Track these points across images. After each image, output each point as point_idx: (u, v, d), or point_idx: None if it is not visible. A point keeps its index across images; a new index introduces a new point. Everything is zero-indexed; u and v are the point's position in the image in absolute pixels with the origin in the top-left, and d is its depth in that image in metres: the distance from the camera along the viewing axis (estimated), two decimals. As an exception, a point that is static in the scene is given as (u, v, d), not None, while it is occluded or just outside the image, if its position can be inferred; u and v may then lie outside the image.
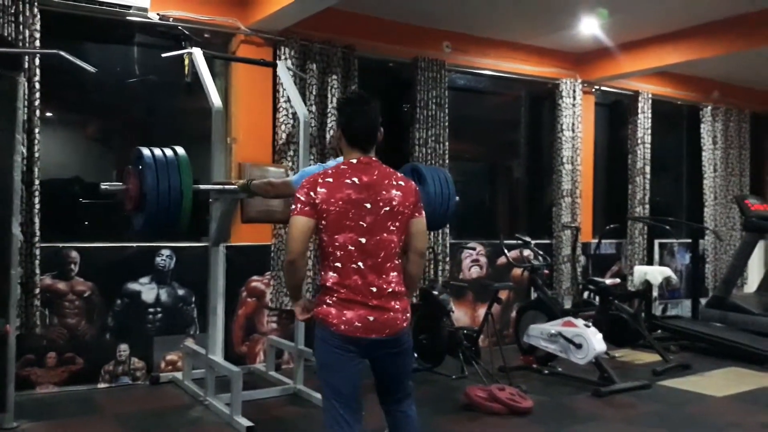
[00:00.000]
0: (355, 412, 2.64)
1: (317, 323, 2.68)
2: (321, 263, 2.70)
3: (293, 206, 2.63)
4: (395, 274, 2.67)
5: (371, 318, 2.59)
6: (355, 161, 2.68)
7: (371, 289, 2.60)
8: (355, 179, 2.63)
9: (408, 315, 2.71)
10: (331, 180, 2.61)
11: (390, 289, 2.64)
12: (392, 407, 2.81)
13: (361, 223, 2.60)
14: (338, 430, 2.60)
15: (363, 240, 2.60)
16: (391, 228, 2.65)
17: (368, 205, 2.62)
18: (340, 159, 3.54)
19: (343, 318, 2.57)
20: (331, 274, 2.62)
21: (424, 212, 2.80)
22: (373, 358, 2.69)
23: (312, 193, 2.59)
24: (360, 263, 2.60)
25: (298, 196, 2.62)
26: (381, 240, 2.63)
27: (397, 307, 2.65)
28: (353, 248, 2.60)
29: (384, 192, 2.65)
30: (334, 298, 2.61)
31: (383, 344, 2.64)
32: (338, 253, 2.60)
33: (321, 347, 2.66)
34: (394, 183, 2.69)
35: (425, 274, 6.35)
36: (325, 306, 2.63)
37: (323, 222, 2.60)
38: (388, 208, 2.64)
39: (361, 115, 2.70)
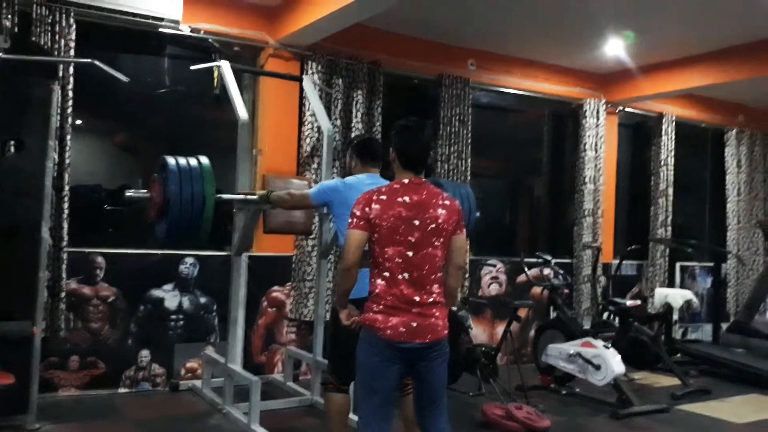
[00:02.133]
0: (388, 410, 2.88)
1: (363, 328, 2.88)
2: (371, 272, 2.90)
3: (350, 220, 2.86)
4: (437, 285, 2.88)
5: (414, 324, 2.78)
6: (407, 181, 2.91)
7: (415, 298, 2.81)
8: (407, 198, 2.85)
9: (447, 325, 2.90)
10: (384, 197, 2.84)
11: (431, 299, 2.84)
12: (428, 420, 2.94)
13: (409, 238, 2.82)
14: (371, 423, 2.83)
15: (410, 253, 2.82)
16: (436, 243, 2.86)
17: (416, 222, 2.83)
18: (359, 176, 3.66)
19: (389, 323, 2.78)
20: (379, 282, 2.84)
21: (465, 230, 3.01)
22: (414, 365, 2.85)
23: (367, 209, 2.82)
24: (406, 274, 2.81)
25: (354, 211, 2.85)
26: (426, 254, 2.84)
27: (437, 314, 2.85)
28: (401, 260, 2.81)
29: (431, 210, 2.86)
30: (381, 306, 2.82)
31: (425, 350, 2.82)
32: (387, 264, 2.82)
33: (365, 350, 2.86)
34: (440, 202, 2.90)
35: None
36: (372, 313, 2.84)
37: (375, 235, 2.83)
38: (434, 226, 2.85)
39: (416, 140, 2.95)
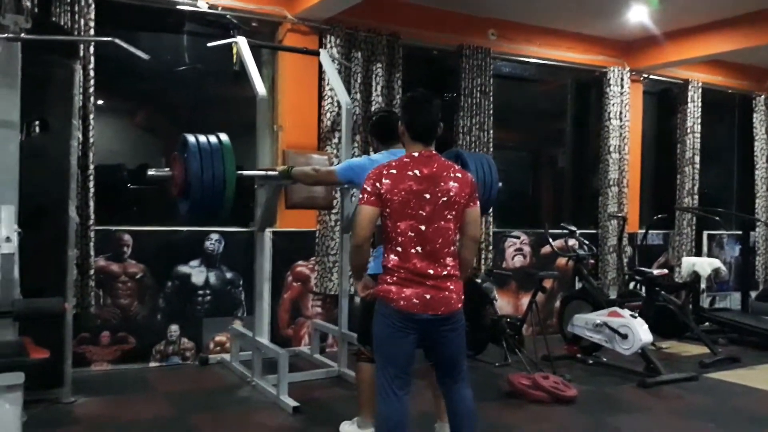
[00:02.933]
0: (404, 380, 2.88)
1: (378, 300, 2.90)
2: (384, 246, 2.92)
3: (361, 196, 2.86)
4: (451, 258, 2.88)
5: (428, 296, 2.79)
6: (416, 155, 2.89)
7: (429, 271, 2.81)
8: (417, 171, 2.83)
9: (462, 297, 2.91)
10: (395, 171, 2.83)
11: (445, 272, 2.84)
12: (450, 389, 3.00)
13: (420, 212, 2.81)
14: (389, 392, 2.85)
15: (422, 227, 2.81)
16: (448, 216, 2.86)
17: (428, 196, 2.82)
18: (385, 153, 3.63)
19: (403, 295, 2.79)
20: (392, 256, 2.85)
21: (478, 202, 3.01)
22: (429, 336, 2.87)
23: (378, 184, 2.81)
24: (419, 248, 2.81)
25: (365, 186, 2.85)
26: (439, 227, 2.83)
27: (452, 287, 2.86)
28: (413, 234, 2.81)
29: (442, 183, 2.85)
30: (394, 278, 2.83)
31: (439, 322, 2.83)
32: (400, 239, 2.82)
33: (380, 322, 2.88)
34: (452, 175, 2.89)
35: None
36: (386, 285, 2.85)
37: (387, 210, 2.82)
38: (445, 199, 2.84)
39: (424, 112, 2.93)
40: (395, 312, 2.80)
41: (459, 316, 2.91)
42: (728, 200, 9.25)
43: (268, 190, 4.66)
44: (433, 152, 2.94)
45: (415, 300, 2.78)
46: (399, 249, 2.82)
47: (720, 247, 8.65)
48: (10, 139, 3.58)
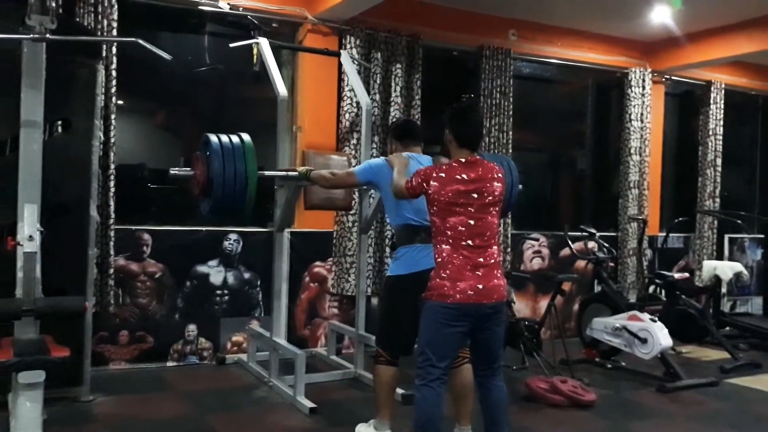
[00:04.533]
0: (445, 381, 3.11)
1: (429, 295, 3.07)
2: (434, 240, 3.14)
3: (410, 180, 3.18)
4: (496, 248, 3.15)
5: (480, 286, 3.02)
6: (463, 160, 3.14)
7: (479, 260, 3.04)
8: (464, 176, 3.09)
9: (506, 289, 3.16)
10: (443, 175, 3.09)
11: (492, 260, 3.09)
12: (486, 380, 3.19)
13: (470, 208, 3.07)
14: (427, 375, 3.05)
15: (472, 222, 3.06)
16: (493, 212, 3.14)
17: (475, 195, 3.08)
18: (402, 154, 3.67)
19: (458, 288, 2.99)
20: (445, 247, 3.07)
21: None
22: (479, 326, 3.07)
23: (425, 185, 3.10)
24: (469, 241, 3.05)
25: (413, 178, 3.16)
26: (486, 222, 3.10)
27: (499, 275, 3.11)
28: (463, 228, 3.06)
29: (488, 184, 3.12)
30: (447, 271, 3.03)
31: (490, 311, 3.05)
32: (449, 233, 3.06)
33: (432, 316, 3.05)
34: (495, 176, 3.16)
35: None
36: (439, 279, 3.05)
37: (434, 208, 3.10)
38: (490, 198, 3.12)
39: (470, 121, 3.18)
40: (452, 308, 2.99)
41: (504, 307, 3.16)
42: (750, 203, 9.12)
43: (287, 191, 4.67)
44: (477, 157, 3.17)
45: (470, 291, 2.99)
46: (450, 241, 3.05)
47: (741, 250, 8.54)
48: (34, 138, 3.61)
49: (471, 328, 3.06)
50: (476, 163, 3.14)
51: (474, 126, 3.19)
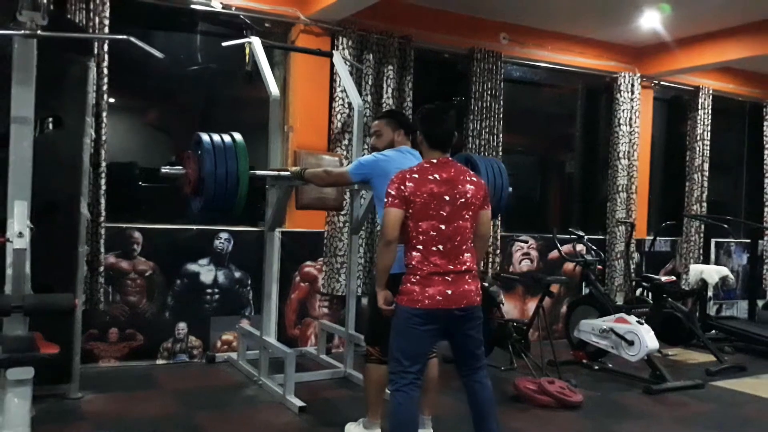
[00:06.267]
0: (420, 381, 3.11)
1: (400, 299, 3.07)
2: (405, 246, 3.11)
3: (386, 199, 3.07)
4: (469, 255, 3.11)
5: (449, 291, 3.01)
6: (435, 161, 3.14)
7: (449, 267, 3.03)
8: (437, 176, 3.08)
9: (480, 293, 3.14)
10: (417, 176, 3.07)
11: (464, 267, 3.07)
12: (469, 378, 3.21)
13: (441, 212, 3.04)
14: (405, 389, 3.05)
15: (443, 227, 3.04)
16: (466, 216, 3.10)
17: (447, 198, 3.06)
18: (395, 150, 3.73)
19: (426, 294, 3.00)
20: (414, 254, 3.05)
21: (490, 205, 3.27)
22: (450, 330, 3.10)
23: (402, 187, 3.04)
24: (440, 246, 3.03)
25: (389, 190, 3.06)
26: (458, 227, 3.07)
27: (470, 281, 3.09)
28: (434, 233, 3.03)
29: (460, 186, 3.10)
30: (417, 277, 3.03)
31: (460, 316, 3.05)
32: (421, 238, 3.04)
33: (403, 320, 3.05)
34: (468, 179, 3.14)
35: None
36: (409, 284, 3.05)
37: (410, 211, 3.04)
38: (463, 200, 3.09)
39: (441, 123, 3.18)
40: (419, 312, 2.99)
41: (478, 310, 3.13)
42: (737, 208, 9.22)
43: (279, 191, 4.68)
44: (450, 158, 3.17)
45: (438, 297, 2.99)
46: (420, 247, 3.03)
47: (728, 255, 8.62)
48: (24, 135, 3.58)
49: (443, 332, 3.09)
50: (448, 164, 3.14)
51: (445, 127, 3.18)
